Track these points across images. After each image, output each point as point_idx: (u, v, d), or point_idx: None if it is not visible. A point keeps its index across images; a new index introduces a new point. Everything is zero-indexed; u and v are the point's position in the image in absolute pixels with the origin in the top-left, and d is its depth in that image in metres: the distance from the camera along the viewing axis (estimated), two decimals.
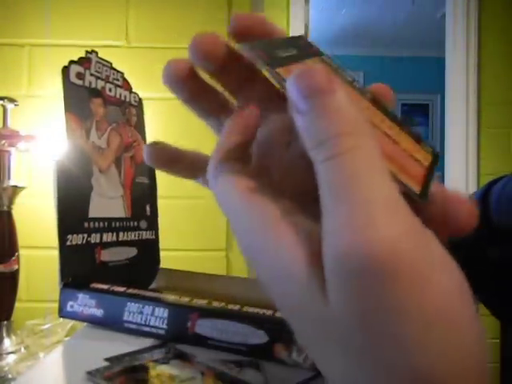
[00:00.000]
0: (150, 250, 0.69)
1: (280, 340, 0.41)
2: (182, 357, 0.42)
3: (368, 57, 4.27)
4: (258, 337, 0.42)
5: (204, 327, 0.44)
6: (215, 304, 0.47)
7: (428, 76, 4.19)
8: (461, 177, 2.28)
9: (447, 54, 2.39)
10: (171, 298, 0.49)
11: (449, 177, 2.39)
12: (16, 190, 0.84)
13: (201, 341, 0.44)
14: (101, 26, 1.03)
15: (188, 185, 1.06)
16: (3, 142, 0.83)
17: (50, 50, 1.01)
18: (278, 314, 0.44)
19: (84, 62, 0.57)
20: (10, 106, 0.87)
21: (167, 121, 1.02)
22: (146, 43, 1.03)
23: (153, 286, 0.65)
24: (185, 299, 0.48)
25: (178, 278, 0.66)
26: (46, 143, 0.88)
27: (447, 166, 2.42)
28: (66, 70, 0.54)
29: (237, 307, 0.45)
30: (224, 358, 0.42)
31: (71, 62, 0.55)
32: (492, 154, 2.29)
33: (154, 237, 0.70)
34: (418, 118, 4.35)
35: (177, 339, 0.46)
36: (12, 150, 0.85)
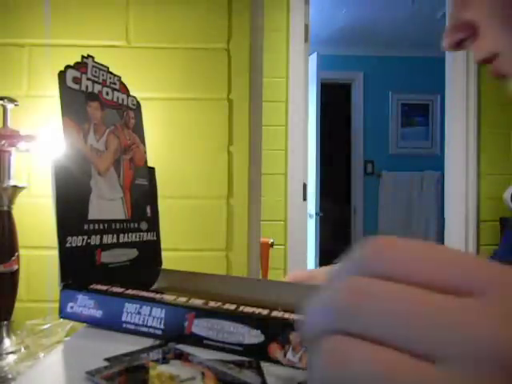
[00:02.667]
0: (151, 251, 0.69)
1: (275, 340, 0.41)
2: (182, 357, 0.42)
3: (368, 57, 4.26)
4: (254, 336, 0.42)
5: (201, 327, 0.44)
6: (212, 304, 0.47)
7: (428, 76, 4.18)
8: (461, 177, 2.28)
9: (447, 54, 2.38)
10: (168, 298, 0.49)
11: (449, 177, 2.39)
12: (16, 189, 0.84)
13: (198, 340, 0.44)
14: (101, 26, 1.03)
15: (188, 185, 1.06)
16: (3, 142, 0.83)
17: (50, 50, 1.01)
18: (273, 314, 0.44)
19: (80, 66, 0.57)
20: (9, 105, 0.87)
21: (167, 121, 1.02)
22: (146, 43, 1.03)
23: (154, 286, 0.65)
24: (182, 299, 0.48)
25: (179, 278, 0.66)
26: (45, 143, 0.89)
27: (447, 166, 2.42)
28: (62, 75, 0.54)
29: (233, 307, 0.46)
30: (224, 359, 0.42)
31: (67, 66, 0.55)
32: (492, 154, 2.29)
33: (154, 238, 0.70)
34: (418, 118, 4.35)
35: (174, 339, 0.46)
36: (12, 149, 0.85)
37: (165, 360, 0.42)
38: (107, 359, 0.41)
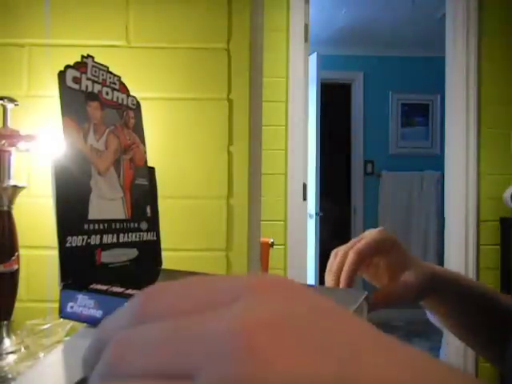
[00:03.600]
0: (151, 251, 0.69)
1: None
2: None
3: (368, 57, 4.26)
4: None
5: None
6: None
7: (428, 76, 4.18)
8: (461, 177, 2.28)
9: (447, 54, 2.38)
10: None
11: (449, 177, 2.39)
12: (16, 189, 0.84)
13: None
14: (101, 26, 1.03)
15: (188, 185, 1.06)
16: (3, 142, 0.83)
17: (50, 49, 1.01)
18: None
19: (80, 66, 0.57)
20: (9, 105, 0.87)
21: (167, 121, 1.02)
22: (146, 43, 1.03)
23: None
24: None
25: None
26: (45, 143, 0.89)
27: (447, 166, 2.42)
28: (62, 75, 0.54)
29: None
30: None
31: (67, 66, 0.55)
32: (492, 153, 2.29)
33: (154, 238, 0.70)
34: (418, 118, 4.35)
35: None
36: (12, 149, 0.85)
37: None
38: None
